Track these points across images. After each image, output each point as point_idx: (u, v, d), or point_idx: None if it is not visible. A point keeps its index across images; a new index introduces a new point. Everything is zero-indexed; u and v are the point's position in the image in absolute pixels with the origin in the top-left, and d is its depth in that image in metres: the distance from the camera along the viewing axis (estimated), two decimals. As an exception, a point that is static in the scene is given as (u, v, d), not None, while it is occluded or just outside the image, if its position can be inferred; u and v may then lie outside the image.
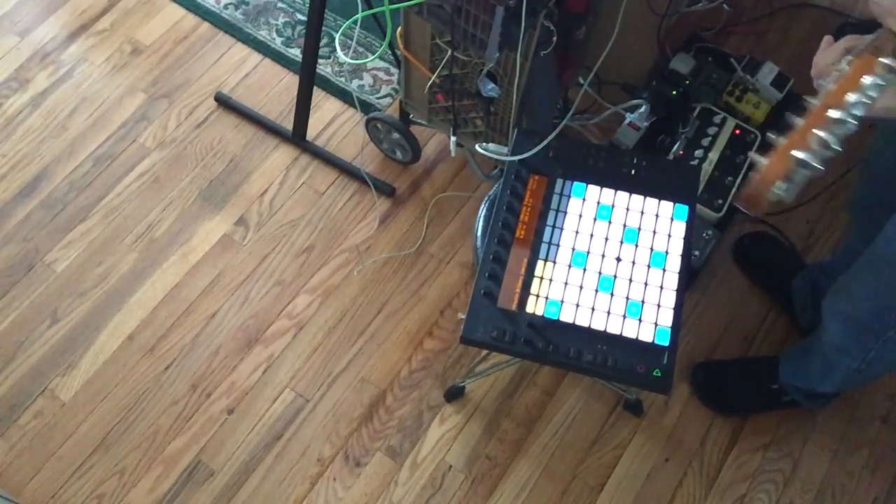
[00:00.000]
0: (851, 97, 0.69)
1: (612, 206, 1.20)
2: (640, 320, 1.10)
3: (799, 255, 1.76)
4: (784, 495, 1.54)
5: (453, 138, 1.50)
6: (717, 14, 2.00)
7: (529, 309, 1.11)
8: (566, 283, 1.13)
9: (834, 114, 0.68)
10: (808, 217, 1.82)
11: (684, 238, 1.17)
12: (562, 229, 1.17)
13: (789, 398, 1.54)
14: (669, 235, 1.17)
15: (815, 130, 0.68)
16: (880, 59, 0.69)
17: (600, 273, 1.14)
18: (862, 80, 0.69)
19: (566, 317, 1.11)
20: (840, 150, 0.68)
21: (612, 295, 1.13)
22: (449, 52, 1.33)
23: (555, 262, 1.15)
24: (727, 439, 1.59)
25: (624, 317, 1.11)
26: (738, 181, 1.66)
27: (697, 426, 1.60)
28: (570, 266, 1.15)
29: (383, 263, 1.76)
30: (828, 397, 1.54)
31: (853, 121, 0.68)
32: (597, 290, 1.13)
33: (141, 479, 1.55)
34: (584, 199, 1.20)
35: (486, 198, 1.36)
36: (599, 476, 1.55)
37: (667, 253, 1.16)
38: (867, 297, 1.25)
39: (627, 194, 1.20)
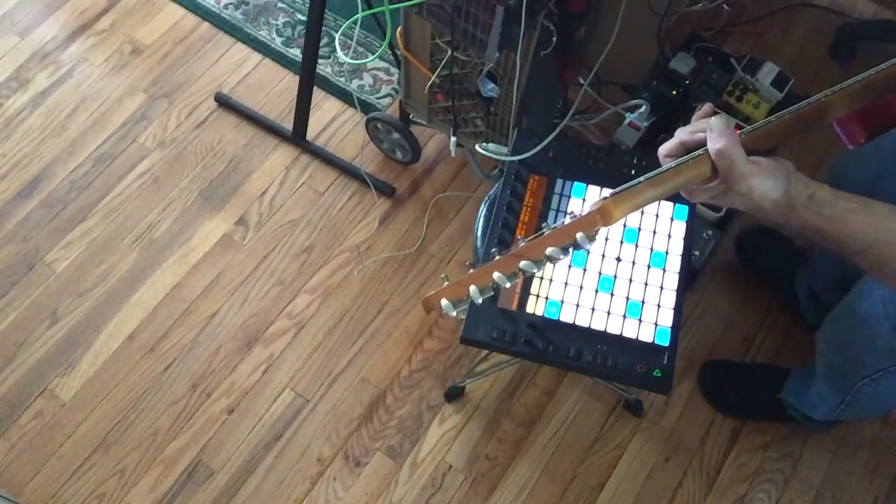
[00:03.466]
0: (524, 263, 0.72)
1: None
2: (640, 320, 1.10)
3: (800, 248, 1.75)
4: (784, 495, 1.54)
5: (453, 138, 1.50)
6: (717, 14, 2.00)
7: (529, 309, 1.11)
8: (566, 284, 1.13)
9: (523, 264, 0.72)
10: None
11: (684, 238, 1.17)
12: (562, 229, 1.17)
13: (789, 412, 1.54)
14: (669, 235, 1.17)
15: (495, 274, 0.73)
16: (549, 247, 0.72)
17: (600, 273, 1.14)
18: (546, 250, 0.73)
19: (566, 317, 1.11)
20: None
21: (612, 295, 1.13)
22: (449, 52, 1.33)
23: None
24: (727, 439, 1.59)
25: (624, 317, 1.11)
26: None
27: (697, 426, 1.60)
28: (570, 266, 1.15)
29: (383, 263, 1.76)
30: (827, 421, 1.49)
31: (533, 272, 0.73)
32: (597, 291, 1.13)
33: (141, 479, 1.55)
34: (584, 199, 1.20)
35: (486, 198, 1.36)
36: (599, 476, 1.55)
37: (667, 253, 1.16)
38: (840, 348, 1.26)
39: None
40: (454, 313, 0.75)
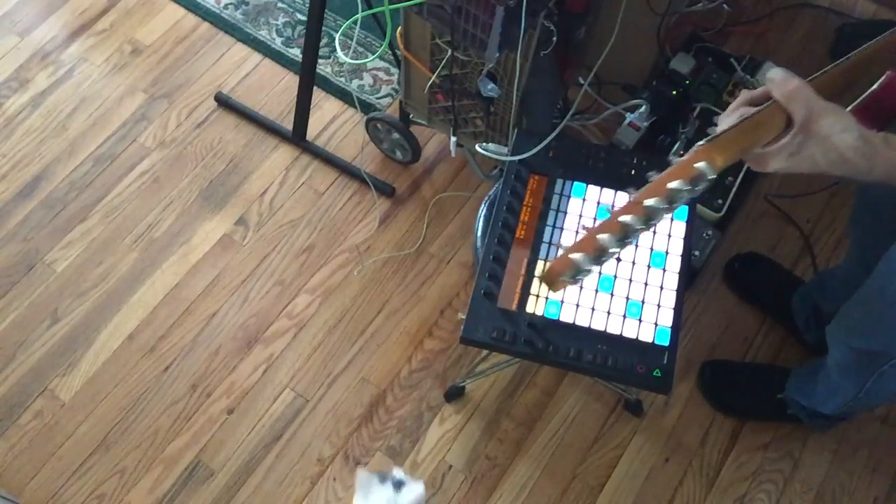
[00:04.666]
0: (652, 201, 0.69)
1: (613, 206, 1.20)
2: (640, 320, 1.10)
3: (791, 272, 1.75)
4: (784, 495, 1.54)
5: (453, 138, 1.50)
6: (717, 14, 2.00)
7: (529, 309, 1.11)
8: (566, 283, 1.13)
9: (649, 202, 0.69)
10: (809, 216, 1.82)
11: (684, 238, 1.17)
12: (562, 229, 1.18)
13: (792, 412, 1.54)
14: (669, 235, 1.17)
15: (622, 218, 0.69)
16: (696, 164, 0.68)
17: (600, 273, 1.14)
18: (669, 185, 0.68)
19: (566, 317, 1.11)
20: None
21: (612, 295, 1.13)
22: (449, 52, 1.33)
23: (555, 262, 1.15)
24: (727, 439, 1.59)
25: (624, 317, 1.11)
26: (738, 182, 1.66)
27: (697, 426, 1.60)
28: (570, 266, 1.15)
29: (383, 263, 1.76)
30: (829, 420, 1.52)
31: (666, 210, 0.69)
32: (597, 290, 1.13)
33: (141, 479, 1.55)
34: (584, 199, 1.20)
35: (486, 198, 1.36)
36: (599, 476, 1.55)
37: (667, 253, 1.16)
38: (863, 331, 1.24)
39: (628, 194, 1.20)
40: (588, 270, 0.69)
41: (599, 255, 0.68)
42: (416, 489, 1.14)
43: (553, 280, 0.71)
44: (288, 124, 1.88)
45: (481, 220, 1.32)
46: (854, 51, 0.83)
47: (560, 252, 0.71)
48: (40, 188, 1.85)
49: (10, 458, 1.56)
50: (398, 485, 1.16)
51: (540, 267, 1.14)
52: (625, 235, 0.68)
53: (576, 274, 0.69)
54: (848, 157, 0.71)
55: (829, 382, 1.38)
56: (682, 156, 0.71)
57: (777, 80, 0.73)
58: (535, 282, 1.13)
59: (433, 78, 1.45)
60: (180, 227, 1.81)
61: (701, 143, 0.71)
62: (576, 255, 0.69)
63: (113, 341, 1.68)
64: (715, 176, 0.67)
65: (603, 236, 0.68)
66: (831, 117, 0.70)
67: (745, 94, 0.79)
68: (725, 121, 0.79)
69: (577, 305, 1.12)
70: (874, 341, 1.21)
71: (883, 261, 1.14)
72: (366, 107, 1.94)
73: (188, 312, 1.71)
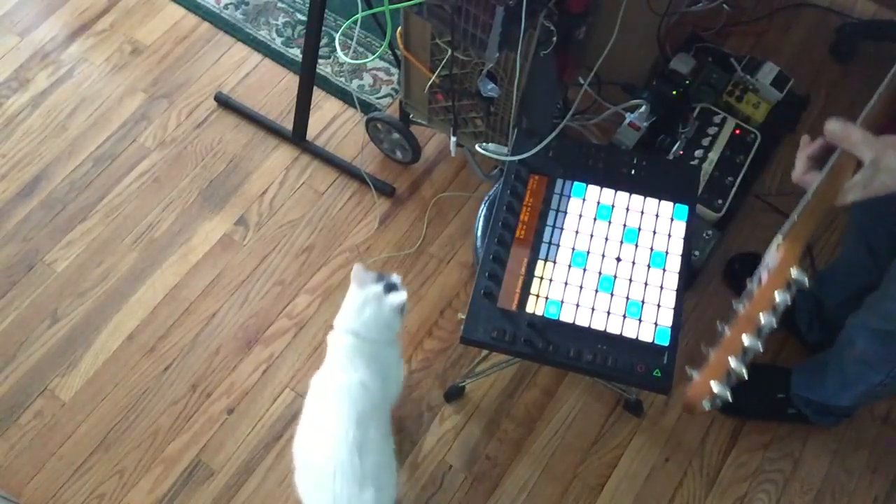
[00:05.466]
0: (763, 317, 0.77)
1: (612, 206, 1.20)
2: (640, 320, 1.10)
3: None
4: (784, 495, 1.54)
5: (453, 138, 1.50)
6: (717, 14, 2.00)
7: (529, 309, 1.11)
8: (566, 283, 1.13)
9: (762, 319, 0.76)
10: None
11: (684, 238, 1.17)
12: (562, 229, 1.18)
13: (794, 411, 1.54)
14: (669, 235, 1.17)
15: (743, 337, 0.76)
16: (791, 269, 0.76)
17: (600, 273, 1.14)
18: (774, 295, 0.77)
19: (566, 317, 1.11)
20: (761, 350, 0.77)
21: (612, 295, 1.13)
22: (449, 52, 1.33)
23: (555, 262, 1.15)
24: (727, 439, 1.59)
25: (624, 317, 1.11)
26: (738, 182, 1.67)
27: (697, 426, 1.60)
28: (570, 266, 1.15)
29: (383, 263, 1.76)
30: (837, 415, 1.53)
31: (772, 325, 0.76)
32: (597, 290, 1.13)
33: (141, 479, 1.55)
34: (584, 199, 1.20)
35: (486, 198, 1.36)
36: (599, 476, 1.55)
37: (667, 253, 1.16)
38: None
39: (627, 194, 1.21)
40: (727, 397, 0.77)
41: (729, 374, 0.76)
42: (400, 296, 1.25)
43: (693, 407, 0.79)
44: (288, 124, 1.88)
45: (481, 220, 1.32)
46: (888, 74, 0.93)
47: (695, 379, 0.78)
48: (40, 188, 1.85)
49: (10, 458, 1.56)
50: (389, 287, 1.27)
51: (541, 267, 1.15)
52: (744, 353, 0.76)
53: (714, 399, 0.77)
54: None
55: (843, 375, 1.38)
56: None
57: (838, 132, 0.83)
58: (536, 281, 1.13)
59: (433, 78, 1.45)
60: (180, 227, 1.81)
61: (778, 239, 0.80)
62: (712, 382, 0.77)
63: (113, 341, 1.68)
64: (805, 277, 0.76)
65: (730, 357, 0.76)
66: (891, 152, 0.80)
67: (804, 149, 0.90)
68: (798, 172, 0.91)
69: (577, 305, 1.12)
70: None
71: None
72: (366, 107, 1.94)
73: (188, 312, 1.71)
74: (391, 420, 1.31)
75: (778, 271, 0.76)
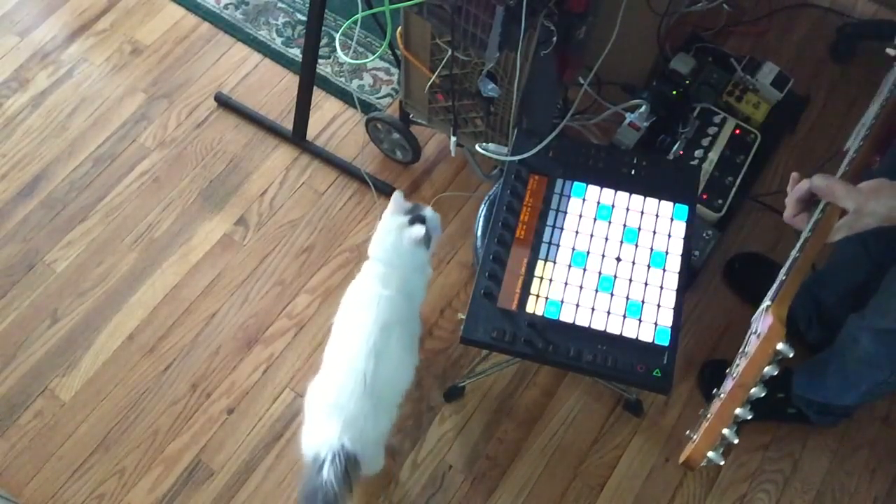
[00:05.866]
0: (754, 390, 0.81)
1: (612, 206, 1.20)
2: (640, 320, 1.10)
3: None
4: (784, 495, 1.54)
5: (453, 138, 1.50)
6: (717, 14, 2.00)
7: (529, 309, 1.11)
8: (566, 283, 1.13)
9: (752, 391, 0.81)
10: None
11: (684, 238, 1.17)
12: (562, 229, 1.18)
13: (794, 411, 1.54)
14: (669, 235, 1.17)
15: (735, 409, 0.81)
16: (777, 346, 0.82)
17: (600, 273, 1.14)
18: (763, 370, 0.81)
19: (566, 317, 1.11)
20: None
21: (612, 295, 1.13)
22: (449, 52, 1.33)
23: (555, 262, 1.15)
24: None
25: (624, 317, 1.11)
26: (738, 182, 1.66)
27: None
28: (570, 266, 1.15)
29: (383, 263, 1.76)
30: (837, 415, 1.53)
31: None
32: (597, 290, 1.13)
33: (141, 479, 1.55)
34: (584, 199, 1.20)
35: (486, 198, 1.36)
36: (599, 476, 1.55)
37: (667, 253, 1.16)
38: None
39: (627, 194, 1.21)
40: (722, 462, 0.82)
41: (721, 441, 0.81)
42: (417, 230, 1.32)
43: (692, 466, 0.83)
44: (288, 124, 1.88)
45: (481, 220, 1.32)
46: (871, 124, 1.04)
47: (694, 441, 0.82)
48: (40, 188, 1.85)
49: (10, 458, 1.56)
50: (416, 219, 1.34)
51: (541, 267, 1.15)
52: (735, 421, 0.81)
53: (709, 461, 0.82)
54: (895, 215, 0.91)
55: (845, 374, 1.38)
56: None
57: (823, 188, 0.92)
58: (536, 281, 1.13)
59: (433, 78, 1.45)
60: (180, 227, 1.81)
61: (767, 302, 0.86)
62: (707, 450, 0.81)
63: (113, 341, 1.68)
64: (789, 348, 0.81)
65: (723, 428, 0.81)
66: (873, 201, 0.90)
67: (794, 192, 0.98)
68: (789, 213, 1.00)
69: (577, 305, 1.12)
70: None
71: None
72: (366, 107, 1.94)
73: (188, 312, 1.71)
74: (417, 337, 1.41)
75: (766, 341, 0.81)
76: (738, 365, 0.83)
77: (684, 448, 0.83)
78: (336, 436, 1.21)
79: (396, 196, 1.36)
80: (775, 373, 0.80)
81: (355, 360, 1.26)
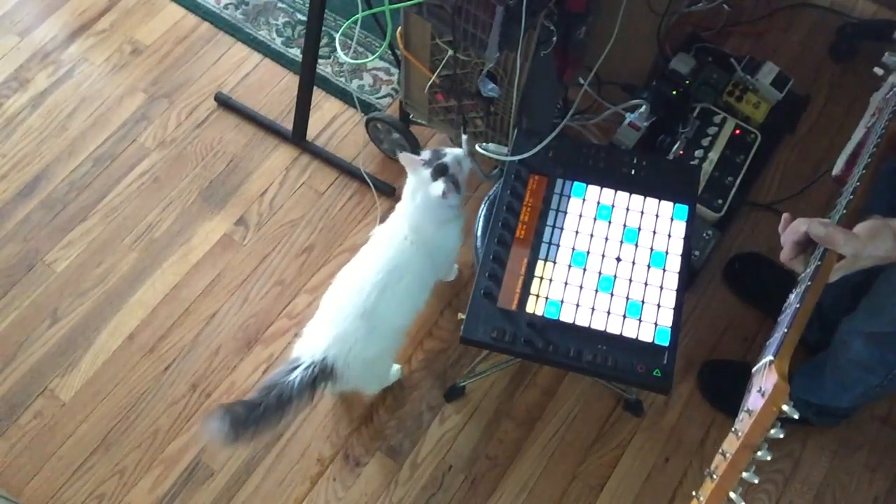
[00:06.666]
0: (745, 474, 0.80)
1: (612, 206, 1.20)
2: (640, 320, 1.10)
3: (791, 271, 1.75)
4: (784, 495, 1.54)
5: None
6: (717, 14, 2.00)
7: (529, 309, 1.11)
8: (566, 283, 1.13)
9: (758, 454, 0.81)
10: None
11: (684, 238, 1.17)
12: (562, 229, 1.18)
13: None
14: (669, 235, 1.17)
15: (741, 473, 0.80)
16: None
17: (600, 273, 1.14)
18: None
19: (566, 317, 1.11)
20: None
21: (612, 295, 1.13)
22: (449, 52, 1.33)
23: (555, 262, 1.15)
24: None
25: (624, 317, 1.11)
26: (738, 182, 1.66)
27: (697, 426, 1.60)
28: (570, 266, 1.15)
29: (383, 263, 1.76)
30: (837, 416, 1.54)
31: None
32: (597, 290, 1.13)
33: (141, 479, 1.55)
34: (584, 199, 1.20)
35: (486, 198, 1.36)
36: (599, 476, 1.55)
37: (667, 253, 1.16)
38: (892, 319, 1.24)
39: (627, 194, 1.21)
40: None
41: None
42: (436, 189, 1.33)
43: None
44: (288, 124, 1.88)
45: (481, 220, 1.32)
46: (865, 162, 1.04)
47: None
48: (40, 188, 1.85)
49: (10, 458, 1.56)
50: (438, 171, 1.35)
51: (541, 267, 1.15)
52: (741, 485, 0.80)
53: None
54: (892, 256, 0.93)
55: (842, 377, 1.39)
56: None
57: (822, 237, 0.93)
58: (536, 281, 1.13)
59: (433, 78, 1.45)
60: (180, 227, 1.81)
61: (770, 357, 0.85)
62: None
63: (113, 341, 1.68)
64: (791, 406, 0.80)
65: (729, 492, 0.80)
66: (870, 246, 0.92)
67: (790, 235, 0.99)
68: (788, 255, 1.02)
69: (577, 305, 1.12)
70: None
71: None
72: (366, 107, 1.94)
73: (188, 312, 1.71)
74: (428, 289, 1.45)
75: (770, 402, 0.81)
76: (741, 420, 0.83)
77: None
78: (322, 348, 1.28)
79: (404, 157, 1.37)
80: (781, 436, 0.80)
81: (361, 289, 1.31)
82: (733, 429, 0.82)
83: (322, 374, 1.27)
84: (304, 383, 1.25)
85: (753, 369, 0.88)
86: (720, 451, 0.83)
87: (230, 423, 1.20)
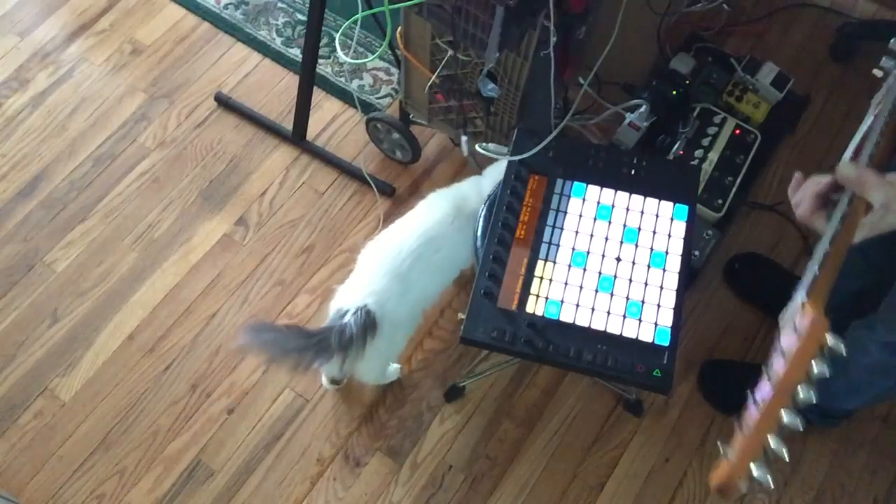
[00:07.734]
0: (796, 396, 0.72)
1: (612, 206, 1.20)
2: (640, 320, 1.10)
3: (791, 272, 1.75)
4: (784, 495, 1.54)
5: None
6: (717, 14, 2.00)
7: (529, 309, 1.11)
8: (566, 283, 1.13)
9: (800, 392, 0.73)
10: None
11: (684, 238, 1.17)
12: (562, 229, 1.17)
13: None
14: (669, 235, 1.17)
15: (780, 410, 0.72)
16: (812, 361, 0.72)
17: (600, 273, 1.14)
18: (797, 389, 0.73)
19: (566, 317, 1.11)
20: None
21: (612, 295, 1.13)
22: (449, 52, 1.33)
23: (555, 262, 1.15)
24: (727, 439, 1.59)
25: (624, 317, 1.11)
26: (738, 182, 1.66)
27: (697, 426, 1.60)
28: (570, 266, 1.15)
29: (383, 263, 1.76)
30: (839, 416, 1.54)
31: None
32: (597, 290, 1.13)
33: (141, 479, 1.55)
34: (584, 199, 1.20)
35: (486, 198, 1.36)
36: (599, 476, 1.55)
37: (667, 253, 1.16)
38: None
39: (627, 194, 1.20)
40: (771, 482, 0.71)
41: (767, 454, 0.72)
42: (473, 198, 1.39)
43: (728, 489, 0.73)
44: (288, 124, 1.88)
45: (481, 220, 1.32)
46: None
47: (729, 458, 0.73)
48: (40, 188, 1.85)
49: (10, 458, 1.56)
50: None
51: (541, 267, 1.15)
52: (781, 428, 0.72)
53: (755, 481, 0.72)
54: None
55: (851, 381, 1.38)
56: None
57: (853, 177, 0.83)
58: (536, 281, 1.13)
59: (433, 78, 1.45)
60: (180, 227, 1.81)
61: (802, 296, 0.77)
62: (750, 463, 0.72)
63: (113, 341, 1.68)
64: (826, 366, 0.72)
65: (768, 435, 0.72)
66: None
67: (812, 186, 0.88)
68: (807, 211, 0.89)
69: (577, 305, 1.12)
70: None
71: None
72: (366, 107, 1.94)
73: (188, 312, 1.71)
74: (457, 271, 1.46)
75: (810, 336, 0.72)
76: (769, 372, 0.74)
77: (715, 468, 0.73)
78: (362, 297, 1.29)
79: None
80: (826, 374, 0.71)
81: (398, 253, 1.33)
82: (765, 376, 0.73)
83: (368, 318, 1.27)
84: (359, 325, 1.26)
85: (780, 316, 0.80)
86: (748, 403, 0.73)
87: (299, 349, 1.23)
